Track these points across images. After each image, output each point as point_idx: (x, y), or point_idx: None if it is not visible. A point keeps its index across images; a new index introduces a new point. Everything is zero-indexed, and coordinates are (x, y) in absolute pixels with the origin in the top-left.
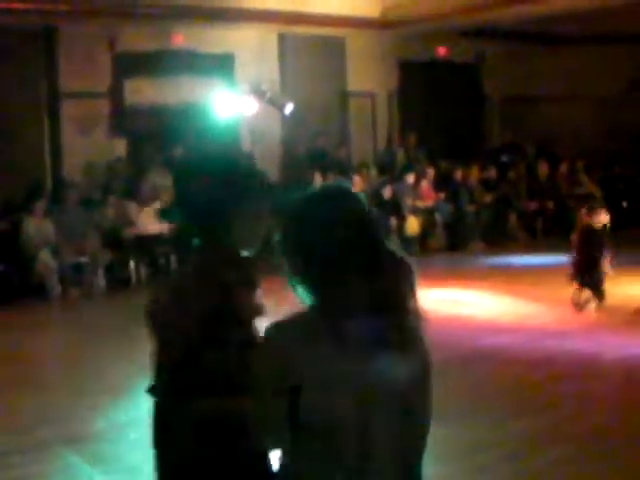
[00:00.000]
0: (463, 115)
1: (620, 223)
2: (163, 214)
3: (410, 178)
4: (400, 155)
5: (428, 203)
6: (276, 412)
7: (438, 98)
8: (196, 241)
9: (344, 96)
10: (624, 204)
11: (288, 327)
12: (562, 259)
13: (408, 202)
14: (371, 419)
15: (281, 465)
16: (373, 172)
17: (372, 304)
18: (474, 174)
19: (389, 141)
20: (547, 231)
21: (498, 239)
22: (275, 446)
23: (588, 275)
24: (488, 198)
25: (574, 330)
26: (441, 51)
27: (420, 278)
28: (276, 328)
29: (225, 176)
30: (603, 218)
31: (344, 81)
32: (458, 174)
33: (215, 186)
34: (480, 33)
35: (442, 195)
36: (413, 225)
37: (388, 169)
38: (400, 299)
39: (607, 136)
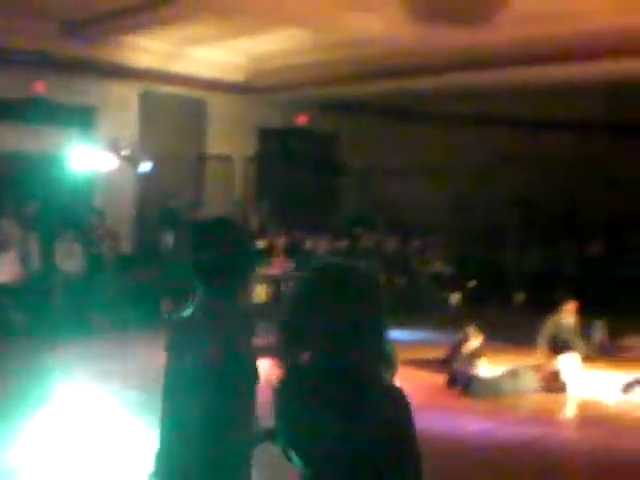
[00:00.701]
0: (319, 184)
1: (468, 302)
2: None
3: (261, 245)
4: (253, 221)
5: (277, 271)
6: None
7: (295, 166)
8: (198, 292)
9: (202, 158)
10: (472, 283)
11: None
12: (410, 335)
13: (258, 270)
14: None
15: None
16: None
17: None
18: (324, 244)
19: (243, 206)
20: (396, 306)
21: None
22: None
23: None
24: None
25: (420, 407)
26: (301, 119)
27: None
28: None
29: (233, 243)
30: (474, 341)
31: (203, 143)
32: (308, 243)
33: (226, 251)
34: (341, 104)
35: (291, 264)
36: (262, 293)
37: None
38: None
39: (462, 213)
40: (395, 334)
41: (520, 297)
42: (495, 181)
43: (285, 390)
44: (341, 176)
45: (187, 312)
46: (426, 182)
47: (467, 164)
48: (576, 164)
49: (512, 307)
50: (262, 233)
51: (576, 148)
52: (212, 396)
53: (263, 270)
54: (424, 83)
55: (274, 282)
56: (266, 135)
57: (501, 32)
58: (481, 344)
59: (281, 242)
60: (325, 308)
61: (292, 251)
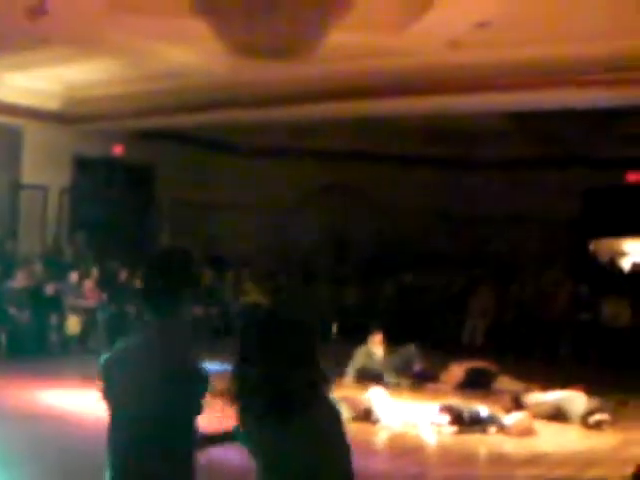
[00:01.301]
0: (134, 216)
1: None
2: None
3: (74, 276)
4: (67, 252)
5: (90, 303)
6: None
7: (111, 197)
8: (146, 317)
9: (16, 187)
10: None
11: None
12: (221, 366)
13: (70, 301)
14: None
15: None
16: (38, 268)
17: None
18: (139, 275)
19: (57, 237)
20: (211, 337)
21: None
22: None
23: None
24: None
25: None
26: (117, 150)
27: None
28: None
29: (181, 271)
30: None
31: (18, 172)
32: (123, 275)
33: (176, 278)
34: (158, 135)
35: (104, 295)
36: (73, 324)
37: (54, 266)
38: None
39: (277, 246)
40: (209, 366)
41: (333, 329)
42: (312, 213)
43: (240, 409)
44: (155, 207)
45: (131, 340)
46: (243, 214)
47: (284, 197)
48: (396, 196)
49: (327, 339)
50: (76, 264)
51: (398, 180)
52: (171, 404)
53: (73, 301)
54: (240, 115)
55: (88, 313)
56: (82, 165)
57: (319, 66)
58: None
59: (94, 273)
60: (273, 342)
61: (106, 282)
